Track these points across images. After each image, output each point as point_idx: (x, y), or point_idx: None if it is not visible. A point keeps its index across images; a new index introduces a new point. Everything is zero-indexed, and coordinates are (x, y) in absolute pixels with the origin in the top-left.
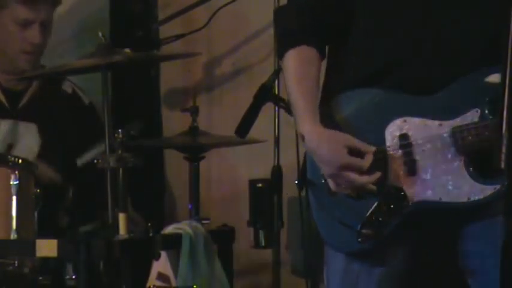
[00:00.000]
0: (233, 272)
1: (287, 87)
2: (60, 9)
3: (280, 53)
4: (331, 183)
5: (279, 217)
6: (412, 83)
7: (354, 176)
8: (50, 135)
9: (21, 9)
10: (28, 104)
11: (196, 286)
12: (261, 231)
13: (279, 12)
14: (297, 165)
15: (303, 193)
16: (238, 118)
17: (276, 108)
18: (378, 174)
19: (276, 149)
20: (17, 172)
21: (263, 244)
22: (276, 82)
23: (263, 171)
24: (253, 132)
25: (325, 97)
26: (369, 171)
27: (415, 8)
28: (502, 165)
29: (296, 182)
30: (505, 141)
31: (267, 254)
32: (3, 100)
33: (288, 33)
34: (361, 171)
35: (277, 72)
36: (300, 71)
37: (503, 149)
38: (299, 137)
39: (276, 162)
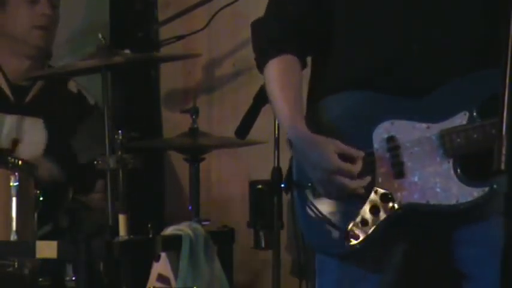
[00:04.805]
0: (233, 273)
1: (270, 96)
2: (61, 11)
3: (261, 63)
4: (320, 189)
5: (278, 218)
6: (400, 85)
7: (345, 181)
8: (55, 132)
9: None
10: (34, 99)
11: (196, 287)
12: (261, 232)
13: (256, 23)
14: None
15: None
16: (238, 119)
17: None
18: (368, 179)
19: (276, 150)
20: (17, 173)
21: (263, 245)
22: None
23: (263, 172)
24: (253, 134)
25: (310, 104)
26: (359, 175)
27: (401, 9)
28: (503, 167)
29: (282, 185)
30: (504, 142)
31: (267, 255)
32: (9, 95)
33: (269, 43)
34: (351, 176)
35: None
36: (283, 79)
37: (503, 151)
38: (286, 143)
39: (276, 163)
